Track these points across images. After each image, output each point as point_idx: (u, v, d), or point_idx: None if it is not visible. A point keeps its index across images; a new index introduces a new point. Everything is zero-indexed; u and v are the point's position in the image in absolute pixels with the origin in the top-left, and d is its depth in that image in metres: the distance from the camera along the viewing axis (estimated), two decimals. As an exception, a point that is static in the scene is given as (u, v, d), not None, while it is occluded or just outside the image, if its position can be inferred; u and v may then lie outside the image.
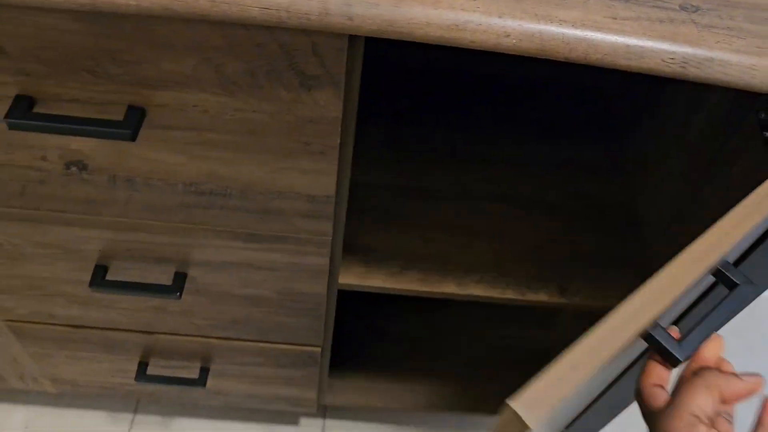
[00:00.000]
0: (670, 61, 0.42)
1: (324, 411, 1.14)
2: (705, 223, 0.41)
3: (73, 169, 0.57)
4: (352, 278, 0.74)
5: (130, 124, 0.49)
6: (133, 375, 0.92)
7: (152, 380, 0.90)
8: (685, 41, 0.43)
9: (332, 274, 0.70)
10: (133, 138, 0.49)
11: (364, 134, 0.87)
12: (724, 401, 0.38)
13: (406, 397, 1.04)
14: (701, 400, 0.37)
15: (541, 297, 0.75)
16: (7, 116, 0.48)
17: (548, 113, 0.95)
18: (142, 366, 0.90)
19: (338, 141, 0.52)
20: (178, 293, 0.69)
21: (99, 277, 0.69)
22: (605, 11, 0.43)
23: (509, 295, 0.74)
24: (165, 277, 0.71)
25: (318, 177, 0.56)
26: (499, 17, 0.41)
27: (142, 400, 1.13)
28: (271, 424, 1.13)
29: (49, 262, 0.70)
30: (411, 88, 0.95)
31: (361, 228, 0.78)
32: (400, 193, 0.82)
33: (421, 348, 1.09)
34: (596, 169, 0.89)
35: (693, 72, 0.43)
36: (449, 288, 0.74)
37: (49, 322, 0.83)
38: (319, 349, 0.84)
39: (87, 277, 0.72)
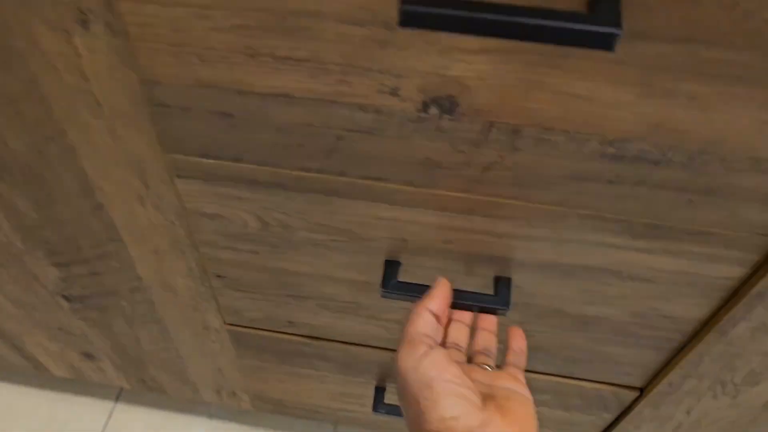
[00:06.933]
0: None
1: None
2: None
3: (433, 111, 0.37)
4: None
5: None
6: (364, 402, 0.74)
7: (390, 412, 0.71)
8: None
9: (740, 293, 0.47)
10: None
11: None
12: (438, 316, 0.42)
13: None
14: (417, 325, 0.41)
15: None
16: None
17: None
18: (380, 392, 0.71)
19: None
20: (506, 305, 0.48)
21: (390, 278, 0.50)
22: None
23: None
24: (479, 282, 0.51)
25: None
26: None
27: (339, 426, 0.94)
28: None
29: (320, 253, 0.52)
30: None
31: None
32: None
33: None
34: None
35: None
36: None
37: (282, 331, 0.65)
38: (636, 393, 0.62)
39: (363, 276, 0.53)
